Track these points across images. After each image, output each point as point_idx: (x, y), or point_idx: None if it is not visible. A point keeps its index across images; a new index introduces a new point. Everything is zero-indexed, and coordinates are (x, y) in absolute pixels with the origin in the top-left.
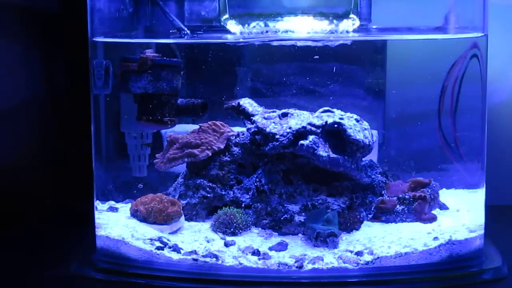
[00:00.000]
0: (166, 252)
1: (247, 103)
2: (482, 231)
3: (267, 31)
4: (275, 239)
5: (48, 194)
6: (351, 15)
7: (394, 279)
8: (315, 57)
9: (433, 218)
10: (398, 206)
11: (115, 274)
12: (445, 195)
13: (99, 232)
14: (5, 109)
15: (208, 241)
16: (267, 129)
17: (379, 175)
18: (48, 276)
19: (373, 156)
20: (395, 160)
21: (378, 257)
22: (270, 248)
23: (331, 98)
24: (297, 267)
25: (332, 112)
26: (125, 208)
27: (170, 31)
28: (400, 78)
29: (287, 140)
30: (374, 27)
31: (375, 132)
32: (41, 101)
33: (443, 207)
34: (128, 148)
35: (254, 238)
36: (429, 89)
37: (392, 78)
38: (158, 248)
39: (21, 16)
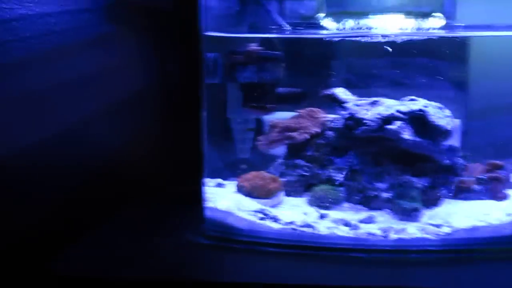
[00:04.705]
0: (268, 222)
1: (341, 92)
2: None
3: (360, 28)
4: (365, 213)
5: (162, 176)
6: (437, 14)
7: (469, 249)
8: (402, 51)
9: (506, 197)
10: (475, 185)
11: (223, 241)
12: None
13: (208, 204)
14: (124, 98)
15: (304, 214)
16: (358, 115)
17: (459, 158)
18: (165, 243)
19: (455, 142)
20: (476, 147)
21: (456, 230)
22: (360, 221)
23: (417, 89)
24: (383, 236)
25: (417, 100)
26: (230, 185)
27: (272, 27)
28: (482, 72)
29: (376, 124)
30: (459, 24)
31: (457, 120)
32: (156, 92)
33: None
34: (233, 132)
35: (345, 212)
36: (510, 83)
37: (475, 72)
38: (260, 219)
39: (140, 14)
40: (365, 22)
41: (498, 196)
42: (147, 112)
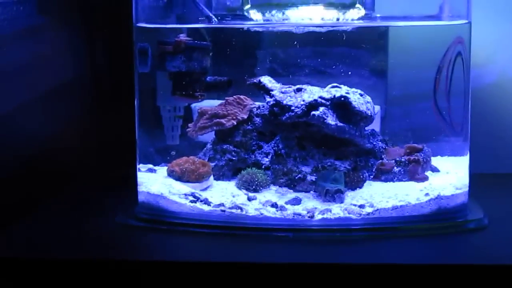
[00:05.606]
0: (198, 205)
1: (267, 80)
2: (466, 189)
3: (283, 19)
4: (291, 195)
5: (97, 162)
6: (357, 5)
7: (390, 227)
8: (324, 41)
9: (425, 178)
10: (395, 168)
11: (155, 223)
12: (437, 161)
13: (141, 188)
14: (55, 85)
15: (233, 196)
16: (284, 102)
17: (380, 142)
18: (97, 225)
19: (375, 127)
20: (395, 132)
21: (377, 209)
22: (286, 203)
23: (339, 78)
24: (309, 217)
25: (339, 87)
26: (161, 170)
27: (199, 18)
28: (400, 61)
29: (301, 110)
30: (377, 15)
31: (377, 107)
32: (90, 81)
33: (434, 169)
34: (163, 119)
35: (272, 194)
36: (426, 71)
37: (393, 61)
38: (191, 201)
39: (72, 5)
40: (289, 13)
41: (417, 177)
42: (84, 101)
